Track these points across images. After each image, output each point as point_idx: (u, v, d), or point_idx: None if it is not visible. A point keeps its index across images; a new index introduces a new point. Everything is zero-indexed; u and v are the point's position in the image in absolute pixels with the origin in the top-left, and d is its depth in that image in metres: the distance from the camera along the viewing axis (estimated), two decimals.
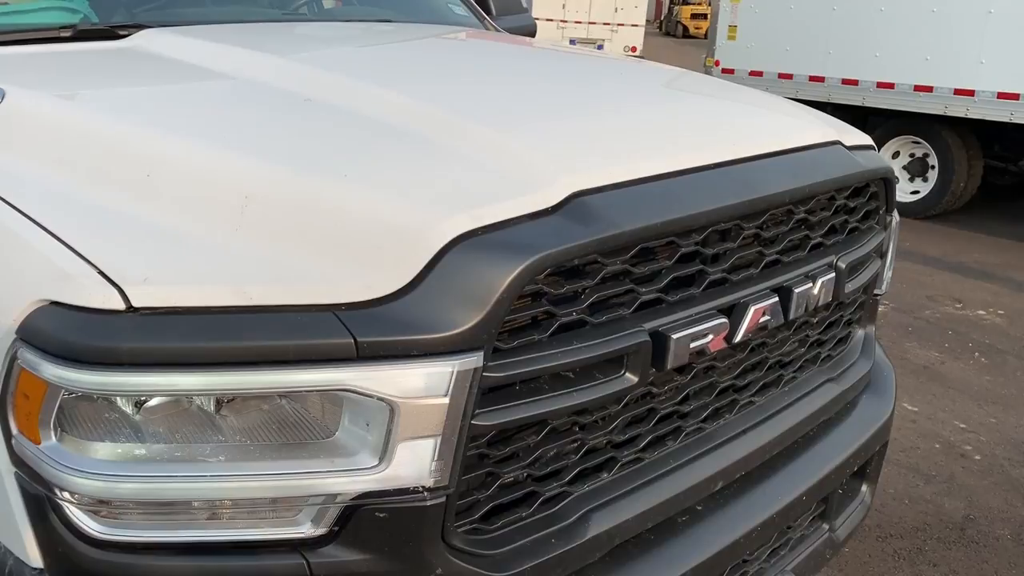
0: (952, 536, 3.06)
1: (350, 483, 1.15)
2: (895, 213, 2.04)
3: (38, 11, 2.23)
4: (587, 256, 1.29)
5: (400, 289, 1.14)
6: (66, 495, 1.13)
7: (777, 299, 1.58)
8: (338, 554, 1.18)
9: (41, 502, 1.15)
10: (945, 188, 7.83)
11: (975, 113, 7.32)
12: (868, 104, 8.09)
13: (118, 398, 1.13)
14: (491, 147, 1.40)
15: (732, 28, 9.36)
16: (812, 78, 8.53)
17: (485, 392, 1.20)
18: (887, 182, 1.92)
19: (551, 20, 18.93)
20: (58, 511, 1.14)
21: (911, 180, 8.07)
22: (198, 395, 1.13)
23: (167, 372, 1.08)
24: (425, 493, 1.17)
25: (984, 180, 8.07)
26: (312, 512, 1.17)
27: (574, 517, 1.36)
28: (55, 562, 1.17)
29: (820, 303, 1.71)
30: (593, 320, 1.33)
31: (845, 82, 8.25)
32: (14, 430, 1.14)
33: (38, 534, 1.17)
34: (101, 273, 1.11)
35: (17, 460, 1.15)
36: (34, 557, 1.18)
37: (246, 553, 1.17)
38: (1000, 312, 5.58)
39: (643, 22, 20.77)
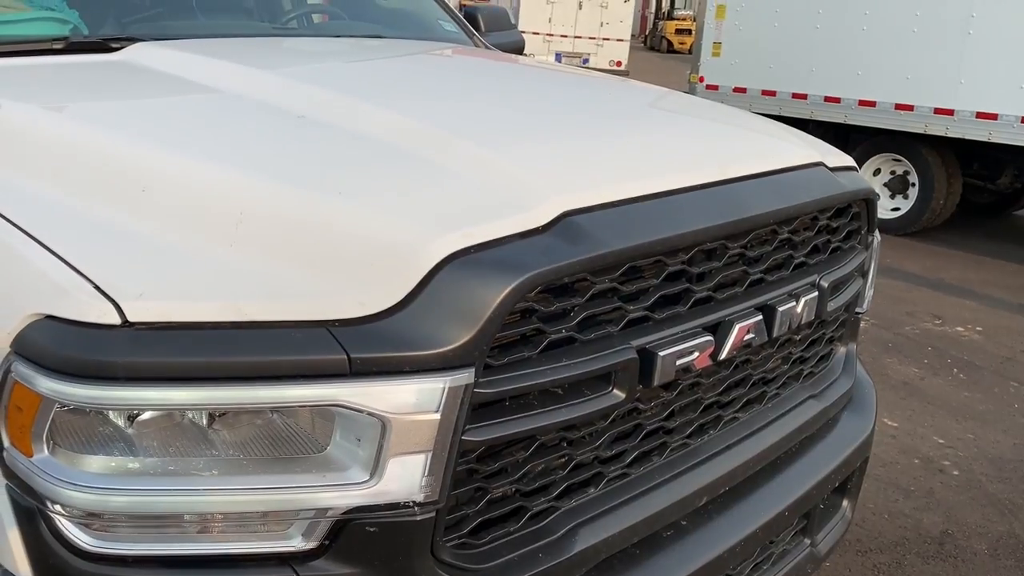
0: (930, 551, 3.10)
1: (341, 498, 1.16)
2: (876, 232, 2.08)
3: (27, 22, 2.23)
4: (576, 274, 1.31)
5: (393, 306, 1.15)
6: (57, 508, 1.13)
7: (761, 317, 1.61)
8: (328, 568, 1.19)
9: (32, 515, 1.15)
10: (925, 206, 7.92)
11: (955, 132, 7.43)
12: (850, 122, 8.19)
13: (111, 412, 1.13)
14: (483, 166, 1.42)
15: (716, 45, 9.45)
16: (795, 95, 8.63)
17: (475, 408, 1.21)
18: (869, 203, 1.96)
19: (537, 33, 19.08)
20: (49, 524, 1.15)
21: (892, 197, 8.16)
22: (191, 409, 1.14)
23: (161, 386, 1.09)
24: (415, 508, 1.19)
25: (963, 198, 8.18)
26: (303, 526, 1.18)
27: (561, 532, 1.37)
28: (45, 574, 1.17)
29: (803, 321, 1.74)
30: (582, 337, 1.35)
31: (827, 100, 8.35)
32: (6, 442, 1.15)
33: (28, 546, 1.17)
34: (97, 287, 1.12)
35: (8, 472, 1.16)
36: (24, 570, 1.18)
37: (236, 566, 1.18)
38: (979, 329, 5.65)
39: (628, 37, 20.95)
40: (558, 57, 19.06)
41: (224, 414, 1.16)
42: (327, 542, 1.19)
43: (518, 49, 3.24)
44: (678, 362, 1.44)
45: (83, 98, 1.82)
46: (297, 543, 1.18)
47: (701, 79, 9.59)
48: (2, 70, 1.88)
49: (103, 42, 2.08)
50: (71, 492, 1.11)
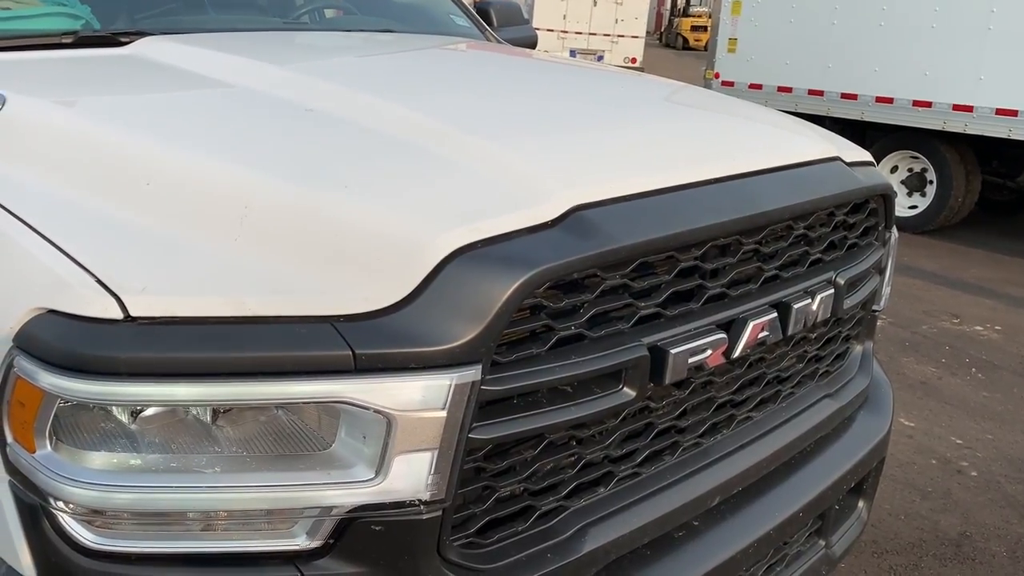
0: (948, 553, 3.06)
1: (346, 496, 1.14)
2: (894, 229, 2.05)
3: (40, 16, 2.23)
4: (586, 270, 1.28)
5: (399, 301, 1.14)
6: (60, 504, 1.12)
7: (776, 315, 1.58)
8: (333, 567, 1.17)
9: (35, 511, 1.14)
10: (943, 203, 7.85)
11: (973, 129, 7.35)
12: (867, 118, 8.12)
13: (114, 407, 1.12)
14: (491, 160, 1.40)
15: (732, 41, 9.39)
16: (811, 92, 8.56)
17: (483, 405, 1.19)
18: (886, 198, 1.93)
19: (552, 30, 19.02)
20: (52, 520, 1.14)
21: (909, 195, 8.09)
22: (195, 405, 1.13)
23: (164, 382, 1.08)
24: (421, 506, 1.17)
25: (982, 195, 8.10)
26: (307, 524, 1.16)
27: (570, 532, 1.35)
28: (48, 572, 1.16)
29: (819, 319, 1.71)
30: (592, 334, 1.33)
31: (844, 96, 8.28)
32: (9, 438, 1.14)
33: (31, 543, 1.16)
34: (99, 282, 1.11)
35: (11, 468, 1.15)
36: (27, 566, 1.17)
37: (240, 565, 1.17)
38: (997, 328, 5.59)
39: (643, 33, 20.87)
40: (572, 54, 18.99)
41: (228, 410, 1.15)
42: (332, 541, 1.17)
43: (530, 44, 3.22)
44: (690, 360, 1.41)
45: (88, 92, 1.81)
46: (301, 542, 1.17)
47: (716, 75, 9.54)
48: (11, 64, 1.88)
49: (112, 36, 2.07)
50: (74, 488, 1.10)
